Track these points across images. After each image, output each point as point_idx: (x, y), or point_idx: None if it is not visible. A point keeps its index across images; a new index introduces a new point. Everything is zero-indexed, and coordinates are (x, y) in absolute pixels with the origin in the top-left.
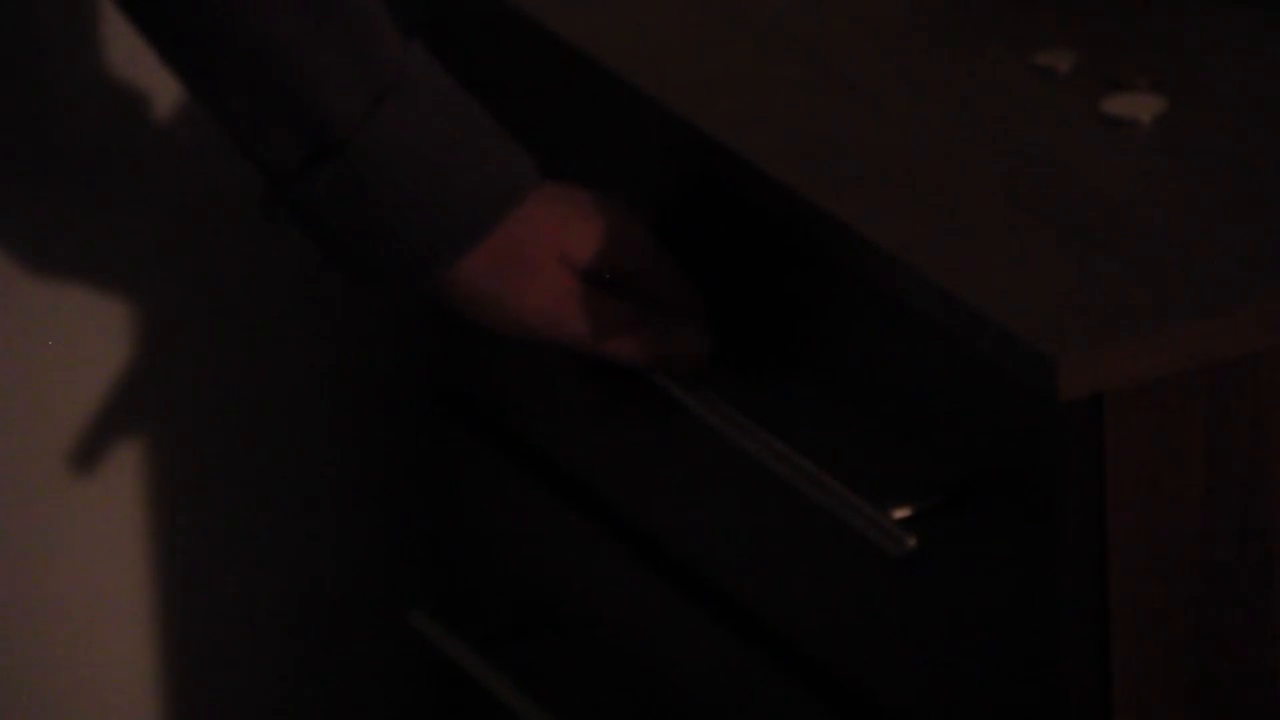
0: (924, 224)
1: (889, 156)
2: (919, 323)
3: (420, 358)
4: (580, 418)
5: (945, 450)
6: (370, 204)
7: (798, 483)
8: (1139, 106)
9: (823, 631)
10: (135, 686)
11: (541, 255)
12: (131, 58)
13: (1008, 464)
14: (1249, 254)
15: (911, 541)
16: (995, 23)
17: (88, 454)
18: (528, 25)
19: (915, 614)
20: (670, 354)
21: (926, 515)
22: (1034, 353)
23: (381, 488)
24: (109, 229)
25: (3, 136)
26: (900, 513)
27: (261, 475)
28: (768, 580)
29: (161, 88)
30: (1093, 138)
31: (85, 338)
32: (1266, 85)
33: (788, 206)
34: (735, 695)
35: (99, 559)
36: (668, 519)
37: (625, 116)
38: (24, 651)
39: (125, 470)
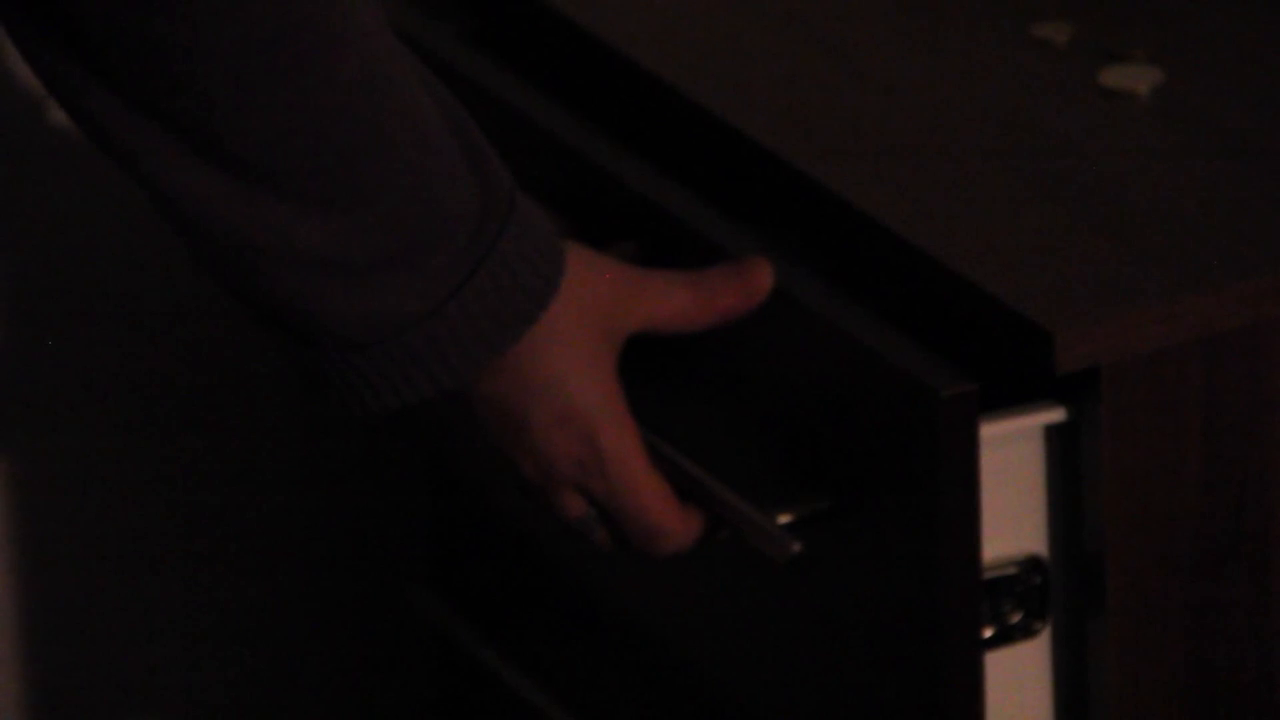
0: (920, 197)
1: (885, 129)
2: (804, 325)
3: None
4: None
5: (829, 453)
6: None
7: (684, 487)
8: (1136, 78)
9: (713, 639)
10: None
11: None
12: None
13: (888, 465)
14: (1246, 226)
15: (796, 546)
16: None
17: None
18: (525, 3)
19: (803, 619)
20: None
21: (811, 520)
22: (1031, 325)
23: (380, 462)
24: (110, 234)
25: (2, 138)
26: (784, 518)
27: (261, 457)
28: (659, 589)
29: None
30: (1090, 109)
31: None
32: (1263, 57)
33: (780, 178)
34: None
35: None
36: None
37: (624, 92)
38: (19, 646)
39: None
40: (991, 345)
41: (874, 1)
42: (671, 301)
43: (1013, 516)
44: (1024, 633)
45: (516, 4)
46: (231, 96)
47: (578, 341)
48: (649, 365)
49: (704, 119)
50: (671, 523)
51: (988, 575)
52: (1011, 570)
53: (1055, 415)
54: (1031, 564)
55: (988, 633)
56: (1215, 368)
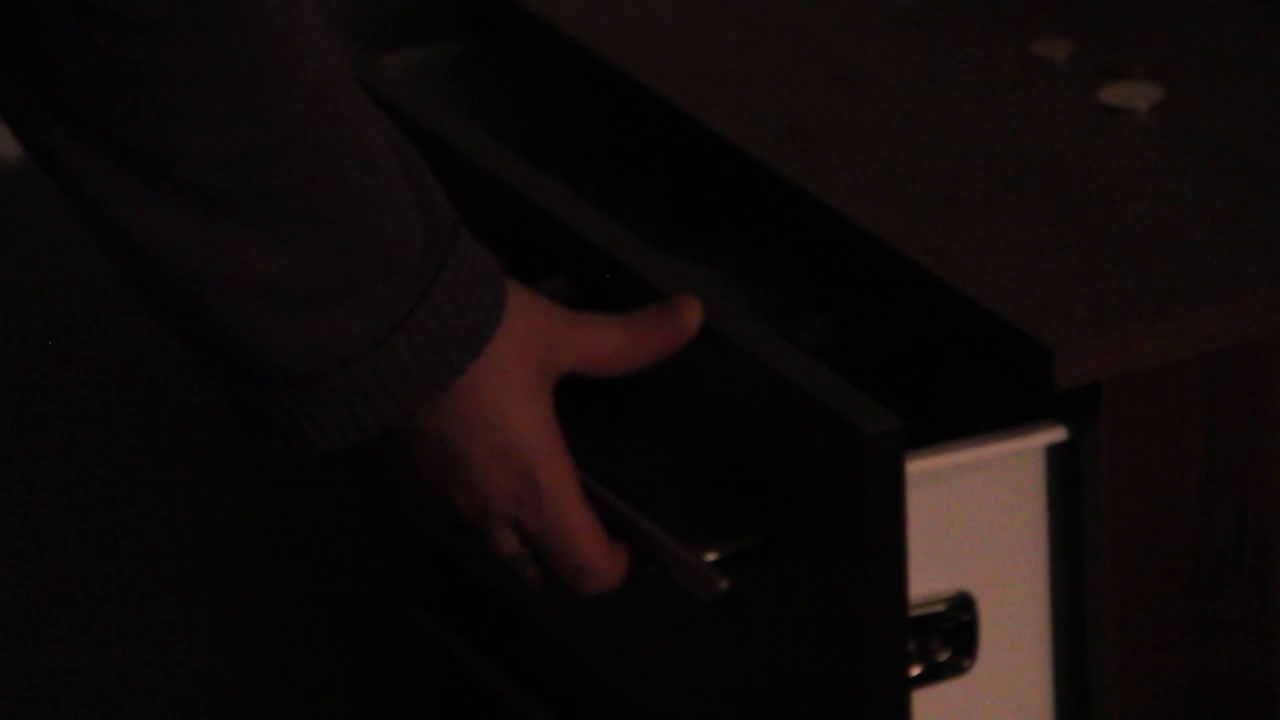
0: (921, 213)
1: (885, 146)
2: (733, 363)
3: None
4: None
5: (758, 491)
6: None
7: (615, 524)
8: (1136, 95)
9: (650, 673)
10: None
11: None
12: None
13: (815, 503)
14: (1246, 242)
15: (723, 584)
16: (992, 12)
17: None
18: (521, 14)
19: (733, 657)
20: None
21: (740, 557)
22: (1031, 342)
23: (379, 481)
24: None
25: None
26: (712, 555)
27: (266, 473)
28: (601, 623)
29: None
30: (1090, 126)
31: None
32: (1263, 73)
33: (781, 194)
34: None
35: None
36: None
37: (620, 105)
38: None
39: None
40: (991, 362)
41: (874, 18)
42: (603, 344)
43: (942, 553)
44: (952, 670)
45: (517, 24)
46: (187, 120)
47: (517, 377)
48: (582, 402)
49: (704, 135)
50: (600, 561)
51: (915, 613)
52: (940, 608)
53: (1056, 435)
54: (960, 601)
55: (915, 670)
56: (1215, 383)
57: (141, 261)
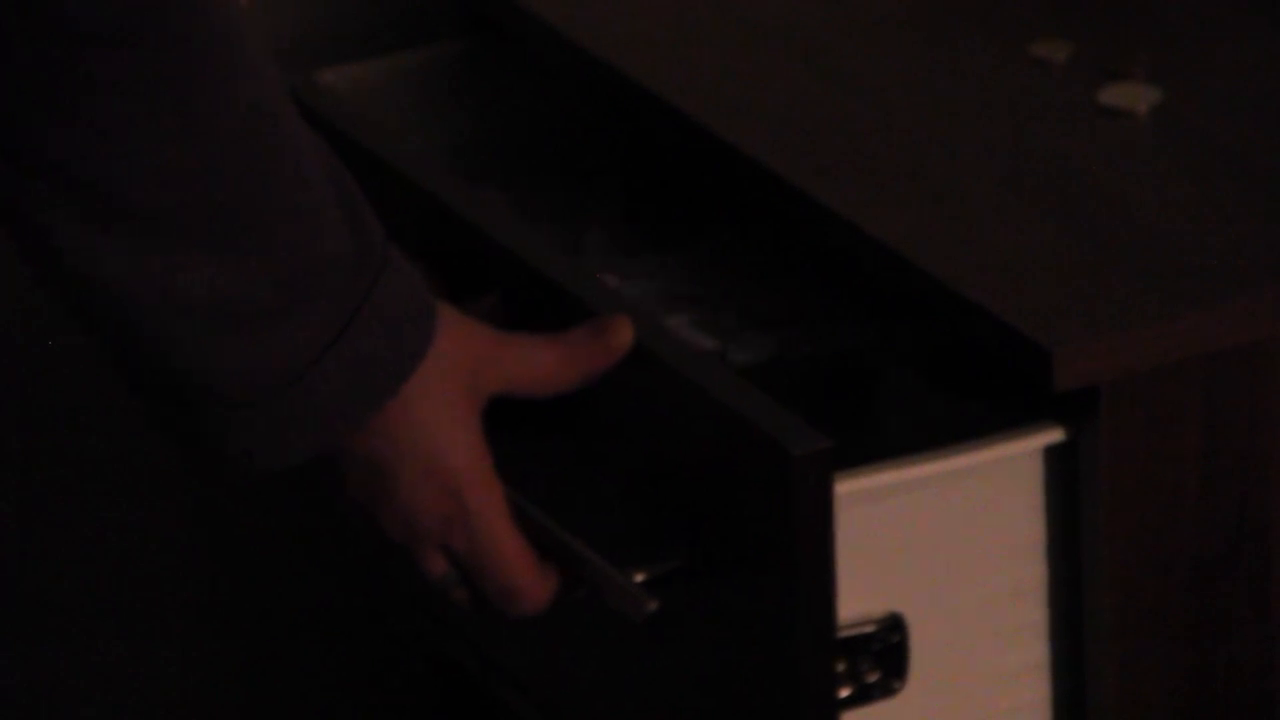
0: (921, 215)
1: (884, 147)
2: (663, 383)
3: None
4: None
5: (689, 512)
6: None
7: (544, 544)
8: (1135, 97)
9: (585, 693)
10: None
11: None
12: None
13: (744, 524)
14: (1244, 244)
15: (652, 605)
16: (991, 14)
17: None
18: (521, 15)
19: (664, 677)
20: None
21: (669, 578)
22: (1030, 344)
23: None
24: None
25: None
26: (641, 576)
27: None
28: (527, 648)
29: None
30: (1089, 128)
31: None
32: (1261, 75)
33: (781, 198)
34: None
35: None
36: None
37: (618, 106)
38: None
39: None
40: (990, 364)
41: (873, 20)
42: (534, 364)
43: (873, 574)
44: (882, 691)
45: (516, 25)
46: (119, 134)
47: (447, 398)
48: (513, 421)
49: (703, 137)
50: (528, 583)
51: (845, 634)
52: (870, 629)
53: (1054, 436)
54: (891, 622)
55: (845, 692)
56: (1214, 385)
57: (72, 282)
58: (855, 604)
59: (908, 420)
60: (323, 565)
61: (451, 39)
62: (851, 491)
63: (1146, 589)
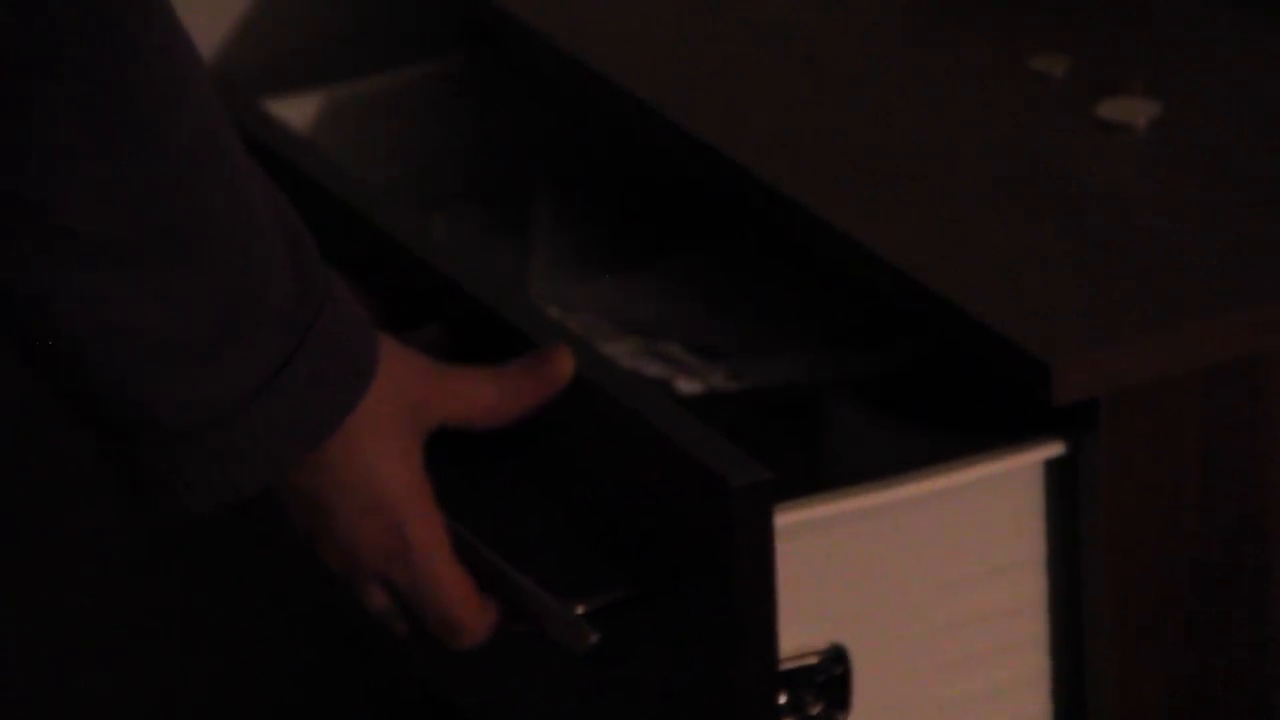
0: (919, 228)
1: (885, 161)
2: (605, 414)
3: None
4: None
5: (630, 543)
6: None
7: (486, 576)
8: (1134, 110)
9: None
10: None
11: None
12: None
13: (685, 555)
14: (1244, 257)
15: (593, 637)
16: (990, 27)
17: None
18: (518, 28)
19: (606, 711)
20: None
21: (610, 610)
22: (1029, 356)
23: None
24: None
25: None
26: (582, 608)
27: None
28: (466, 676)
29: None
30: (1088, 141)
31: None
32: (1260, 88)
33: (780, 210)
34: None
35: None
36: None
37: (615, 115)
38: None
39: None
40: (988, 376)
41: (872, 32)
42: (475, 396)
43: (816, 605)
44: None
45: (514, 38)
46: (61, 160)
47: (388, 432)
48: (455, 452)
49: (699, 149)
50: (470, 616)
51: (787, 665)
52: (812, 660)
53: (1054, 449)
54: (834, 654)
55: None
56: (1214, 398)
57: (13, 312)
58: (799, 635)
59: (861, 451)
60: (324, 568)
61: (448, 52)
62: (787, 524)
63: (1145, 601)
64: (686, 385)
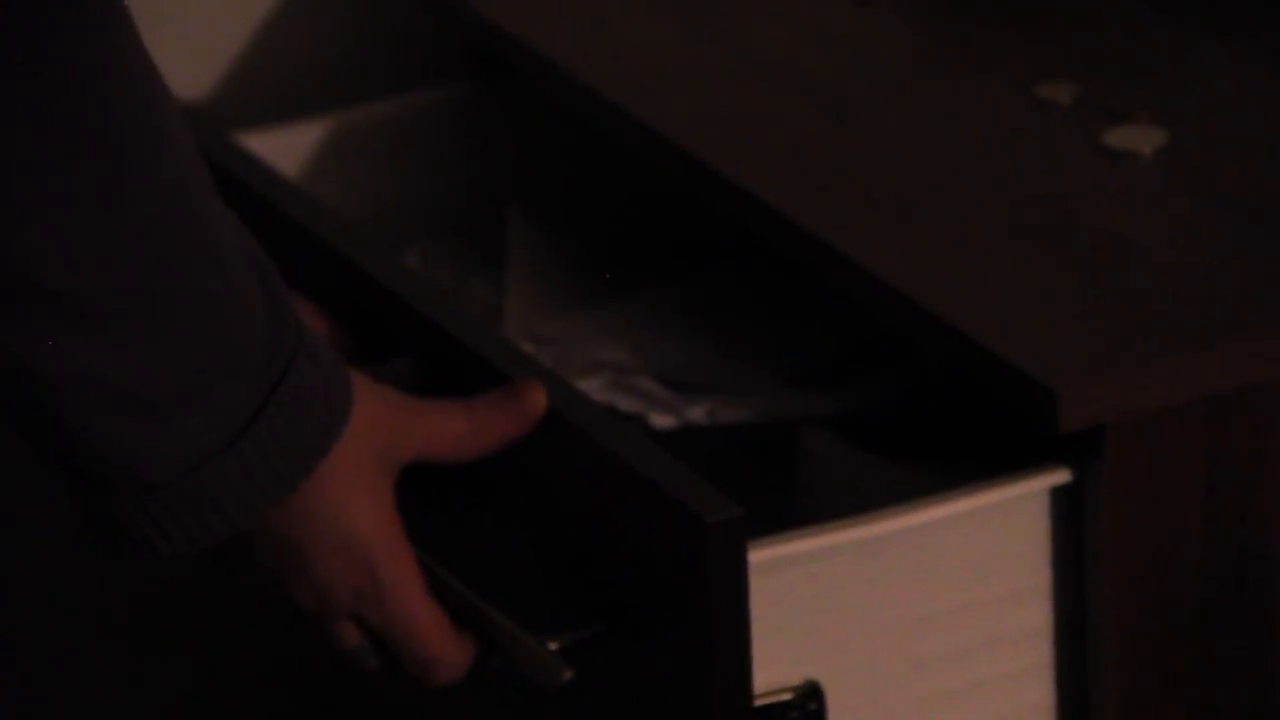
0: (925, 256)
1: (890, 189)
2: (577, 449)
3: None
4: None
5: (603, 578)
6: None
7: (459, 612)
8: (1140, 139)
9: None
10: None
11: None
12: None
13: (657, 591)
14: (1249, 286)
15: (567, 674)
16: (996, 55)
17: None
18: (531, 57)
19: None
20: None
21: (583, 646)
22: (1034, 385)
23: None
24: None
25: None
26: (555, 644)
27: None
28: (444, 714)
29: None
30: (1094, 170)
31: None
32: (1266, 118)
33: (787, 238)
34: None
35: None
36: None
37: (628, 149)
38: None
39: None
40: (994, 405)
41: (878, 61)
42: (447, 431)
43: (791, 641)
44: None
45: (524, 65)
46: (33, 213)
47: (358, 473)
48: (427, 486)
49: (708, 175)
50: (445, 653)
51: (761, 701)
52: (786, 696)
53: (1060, 477)
54: (809, 690)
55: None
56: (1218, 427)
57: None
58: (773, 671)
59: (834, 485)
60: (292, 607)
61: (458, 80)
62: (762, 560)
63: (1149, 629)
64: (660, 420)
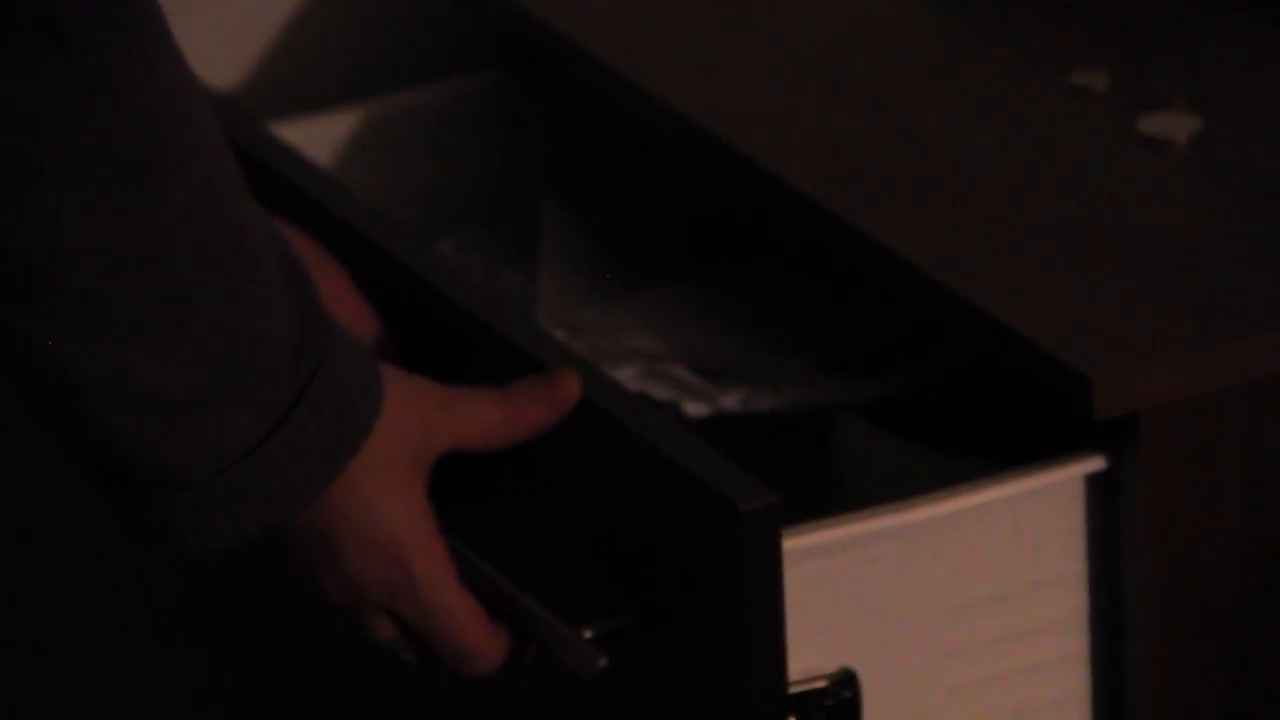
0: (960, 244)
1: (923, 174)
2: (611, 437)
3: None
4: None
5: (638, 567)
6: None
7: (493, 601)
8: (1175, 125)
9: None
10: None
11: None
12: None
13: (692, 579)
14: None
15: (602, 661)
16: (1030, 43)
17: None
18: (563, 45)
19: None
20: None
21: (618, 634)
22: (1069, 372)
23: None
24: None
25: None
26: (590, 632)
27: None
28: (478, 703)
29: None
30: (1129, 157)
31: None
32: None
33: (821, 226)
34: None
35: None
36: None
37: (661, 137)
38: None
39: None
40: (1028, 392)
41: (911, 48)
42: (480, 420)
43: (826, 628)
44: None
45: (556, 54)
46: (67, 217)
47: (390, 467)
48: (460, 475)
49: (741, 163)
50: (482, 644)
51: (796, 689)
52: (821, 684)
53: (1095, 464)
54: (844, 678)
55: None
56: (1254, 414)
57: (16, 361)
58: (808, 658)
59: (868, 473)
60: (325, 600)
61: (489, 69)
62: (796, 548)
63: (1185, 619)
64: (694, 408)
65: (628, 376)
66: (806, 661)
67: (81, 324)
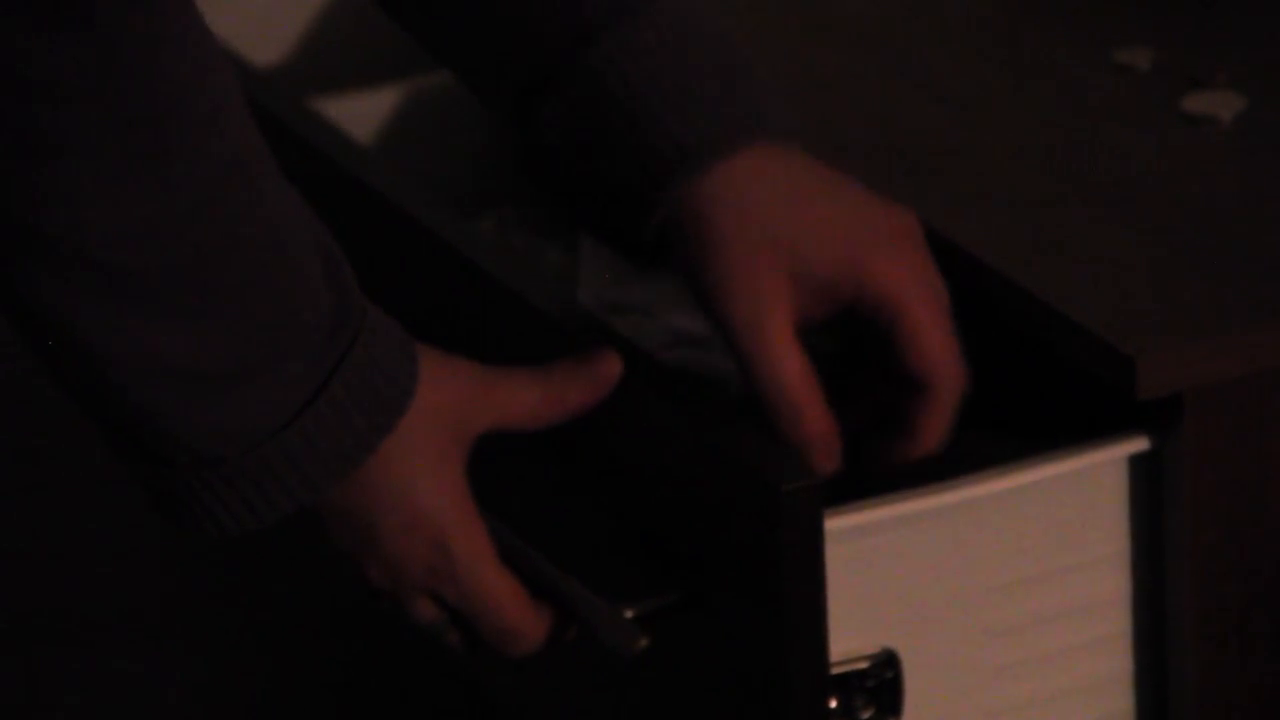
0: (1002, 222)
1: (966, 153)
2: (652, 418)
3: None
4: None
5: (679, 547)
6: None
7: (533, 581)
8: (1219, 104)
9: None
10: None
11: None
12: None
13: (734, 559)
14: None
15: (643, 641)
16: (1074, 21)
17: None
18: None
19: (654, 715)
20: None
21: (660, 614)
22: (1114, 352)
23: None
24: None
25: None
26: (631, 612)
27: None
28: (516, 681)
29: None
30: (1173, 135)
31: None
32: None
33: None
34: None
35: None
36: None
37: None
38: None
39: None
40: (1073, 372)
41: (955, 26)
42: (520, 400)
43: (867, 609)
44: None
45: None
46: (92, 191)
47: (427, 448)
48: (500, 455)
49: None
50: (524, 623)
51: (838, 670)
52: (863, 664)
53: (1139, 445)
54: (885, 658)
55: None
56: None
57: (45, 339)
58: (849, 639)
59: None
60: (365, 583)
61: None
62: (838, 528)
63: (1230, 600)
64: (735, 388)
65: (668, 358)
66: (848, 642)
67: (104, 296)
